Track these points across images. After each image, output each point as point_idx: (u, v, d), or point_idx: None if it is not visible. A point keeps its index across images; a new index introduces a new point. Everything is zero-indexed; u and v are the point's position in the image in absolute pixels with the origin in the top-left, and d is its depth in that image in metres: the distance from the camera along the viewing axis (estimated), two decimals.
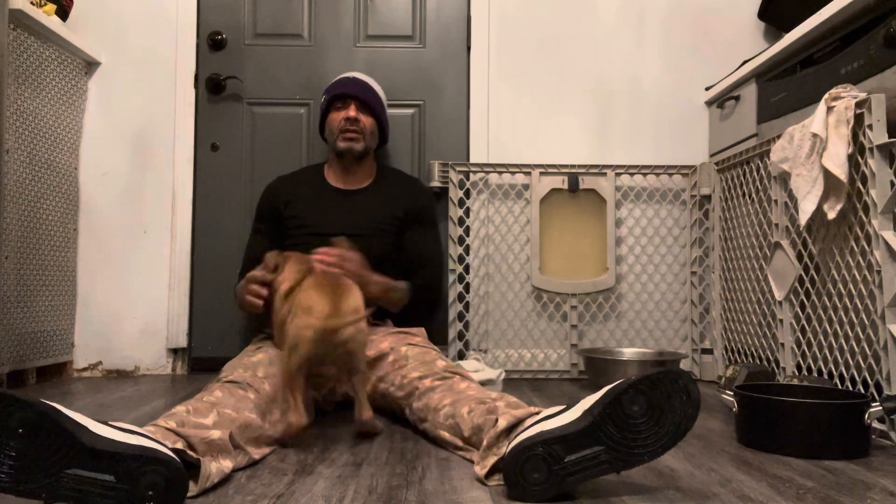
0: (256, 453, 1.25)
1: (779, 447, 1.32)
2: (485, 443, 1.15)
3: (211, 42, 2.49)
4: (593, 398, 1.06)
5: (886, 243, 1.42)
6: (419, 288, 2.03)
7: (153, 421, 1.15)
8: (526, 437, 1.05)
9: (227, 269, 2.42)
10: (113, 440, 0.94)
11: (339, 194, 2.11)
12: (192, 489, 1.03)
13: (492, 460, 1.12)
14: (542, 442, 1.02)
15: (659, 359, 1.99)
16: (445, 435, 1.35)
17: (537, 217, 2.39)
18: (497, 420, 1.16)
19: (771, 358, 1.93)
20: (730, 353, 2.23)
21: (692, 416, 1.03)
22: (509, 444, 1.08)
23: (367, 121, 2.09)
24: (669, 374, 1.03)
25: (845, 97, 1.53)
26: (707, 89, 2.49)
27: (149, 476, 0.93)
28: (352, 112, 2.07)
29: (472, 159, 2.48)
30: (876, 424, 1.44)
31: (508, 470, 1.04)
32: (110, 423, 0.99)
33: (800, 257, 1.79)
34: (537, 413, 1.14)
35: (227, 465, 1.13)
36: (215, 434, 1.13)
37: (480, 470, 1.13)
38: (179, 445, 1.05)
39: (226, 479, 1.12)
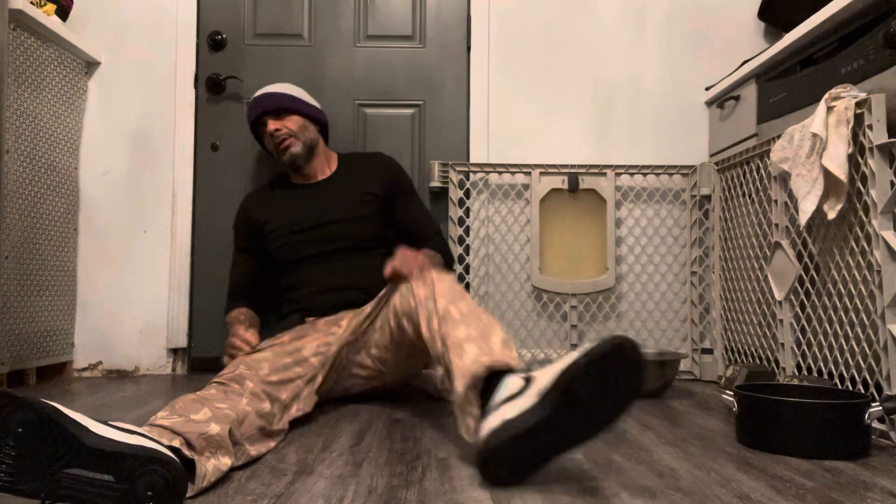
0: (253, 450, 1.25)
1: (779, 447, 1.32)
2: (455, 408, 1.22)
3: (211, 42, 2.49)
4: (547, 379, 1.10)
5: (886, 243, 1.42)
6: (441, 253, 2.08)
7: (150, 419, 1.14)
8: (490, 431, 1.11)
9: (226, 270, 2.41)
10: (113, 440, 0.93)
11: (307, 189, 2.13)
12: (190, 490, 1.02)
13: (468, 422, 1.20)
14: (507, 441, 1.08)
15: (659, 359, 1.99)
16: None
17: (537, 217, 2.39)
18: (455, 384, 1.23)
19: (771, 358, 1.93)
20: (730, 353, 2.23)
21: (640, 382, 1.09)
22: (479, 436, 1.14)
23: (288, 122, 2.09)
24: (616, 350, 1.07)
25: (845, 97, 1.53)
26: (707, 89, 2.49)
27: (148, 476, 0.92)
28: (270, 127, 2.08)
29: (472, 159, 2.48)
30: (876, 424, 1.44)
31: (478, 467, 1.13)
32: (110, 422, 0.99)
33: (800, 257, 1.79)
34: (495, 377, 1.19)
35: (225, 461, 1.11)
36: (214, 430, 1.12)
37: (465, 434, 1.21)
38: (176, 443, 1.04)
39: (225, 479, 1.12)
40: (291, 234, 2.04)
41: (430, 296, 1.47)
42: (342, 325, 1.84)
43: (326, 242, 2.02)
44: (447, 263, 2.10)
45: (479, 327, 1.32)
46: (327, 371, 1.72)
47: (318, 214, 2.05)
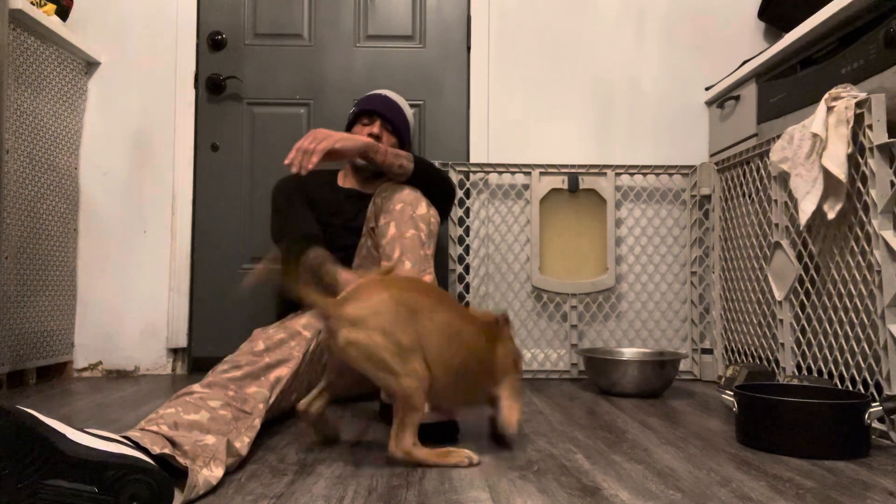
0: (253, 420, 1.27)
1: (779, 447, 1.32)
2: None
3: (211, 42, 2.49)
4: None
5: (886, 243, 1.42)
6: (424, 161, 1.79)
7: (142, 422, 1.12)
8: None
9: (227, 270, 2.42)
10: (95, 449, 0.89)
11: (352, 195, 2.11)
12: (177, 498, 0.98)
13: None
14: None
15: (659, 359, 1.99)
16: None
17: (537, 217, 2.39)
18: None
19: (771, 358, 1.93)
20: (730, 353, 2.23)
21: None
22: None
23: (388, 140, 2.10)
24: None
25: (845, 97, 1.53)
26: (707, 89, 2.49)
27: (132, 486, 0.89)
28: (375, 129, 2.08)
29: (472, 159, 2.48)
30: (876, 424, 1.44)
31: None
32: (86, 430, 0.95)
33: (800, 257, 1.79)
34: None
35: (217, 473, 1.08)
36: (210, 440, 1.11)
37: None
38: (167, 451, 1.01)
39: (225, 480, 1.12)
40: (324, 225, 2.05)
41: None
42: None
43: (344, 244, 2.02)
44: (435, 178, 1.80)
45: None
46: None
47: (346, 218, 2.03)
